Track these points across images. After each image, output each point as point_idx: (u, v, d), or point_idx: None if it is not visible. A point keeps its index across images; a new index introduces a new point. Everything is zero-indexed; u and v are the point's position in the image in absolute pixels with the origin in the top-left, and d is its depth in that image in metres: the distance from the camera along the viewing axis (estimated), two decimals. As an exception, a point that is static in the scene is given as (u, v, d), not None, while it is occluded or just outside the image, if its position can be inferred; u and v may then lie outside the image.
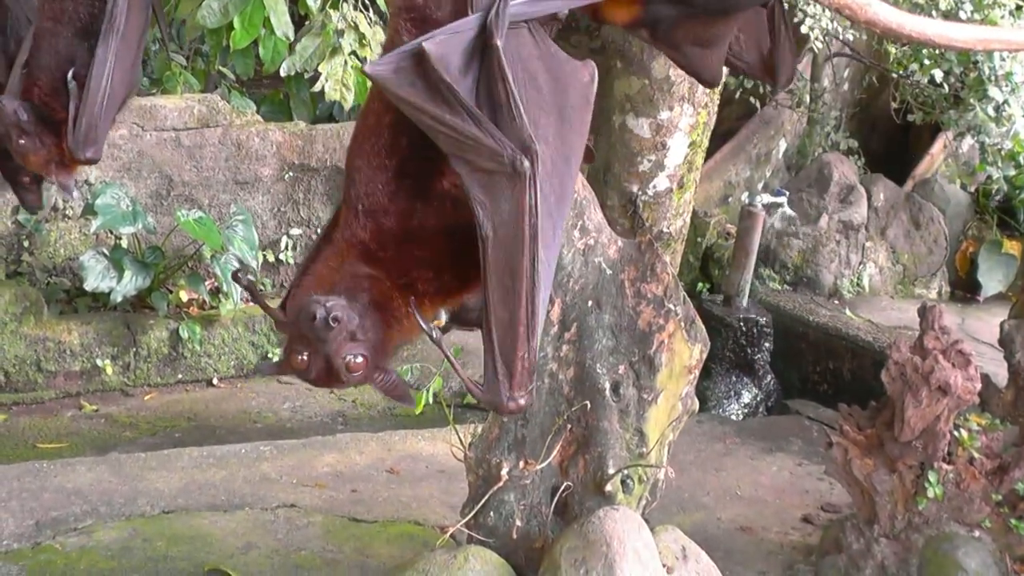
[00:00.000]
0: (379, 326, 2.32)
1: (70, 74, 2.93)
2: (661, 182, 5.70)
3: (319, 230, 7.74)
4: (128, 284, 6.81)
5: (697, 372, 4.17)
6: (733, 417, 7.68)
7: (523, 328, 2.23)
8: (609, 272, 4.00)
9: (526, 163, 2.17)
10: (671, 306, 4.05)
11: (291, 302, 2.44)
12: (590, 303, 3.98)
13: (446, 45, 2.25)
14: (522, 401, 2.28)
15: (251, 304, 7.40)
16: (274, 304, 2.53)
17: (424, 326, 2.29)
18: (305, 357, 2.27)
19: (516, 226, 2.18)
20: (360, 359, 2.27)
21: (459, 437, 4.06)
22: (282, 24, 6.73)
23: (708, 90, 5.62)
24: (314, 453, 5.78)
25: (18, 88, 2.96)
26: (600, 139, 5.51)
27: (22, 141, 2.95)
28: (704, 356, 4.17)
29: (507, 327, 2.24)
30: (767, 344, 7.95)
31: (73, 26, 2.96)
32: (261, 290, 7.62)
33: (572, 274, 3.92)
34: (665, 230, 5.89)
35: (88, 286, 6.78)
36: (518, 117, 2.20)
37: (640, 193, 5.71)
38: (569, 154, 2.38)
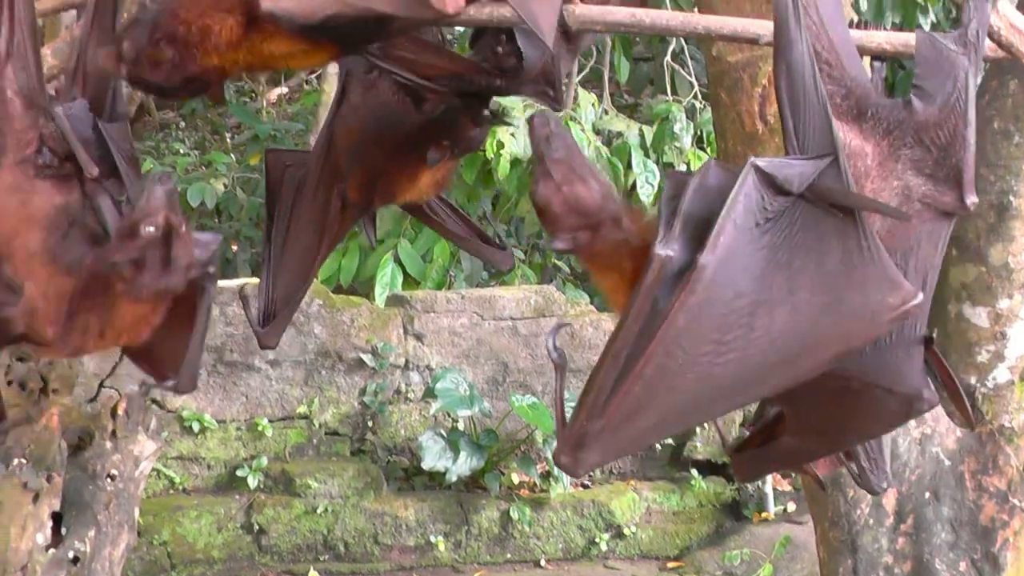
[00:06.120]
0: None
1: None
2: (1001, 374, 5.47)
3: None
4: (463, 464, 7.09)
5: (1047, 574, 3.94)
6: (1088, 632, 7.08)
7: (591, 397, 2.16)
8: (948, 463, 3.90)
9: None
10: (1016, 501, 3.89)
11: None
12: (927, 494, 3.87)
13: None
14: (563, 459, 2.22)
15: (580, 488, 7.53)
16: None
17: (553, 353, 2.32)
18: None
19: None
20: None
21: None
22: (616, 218, 7.01)
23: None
24: (637, 638, 5.75)
25: None
26: (935, 329, 5.40)
27: None
28: (1054, 558, 3.94)
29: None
30: None
31: None
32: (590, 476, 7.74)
33: (908, 463, 3.84)
34: (1007, 425, 5.62)
35: (426, 465, 7.10)
36: None
37: (979, 385, 5.50)
38: None
